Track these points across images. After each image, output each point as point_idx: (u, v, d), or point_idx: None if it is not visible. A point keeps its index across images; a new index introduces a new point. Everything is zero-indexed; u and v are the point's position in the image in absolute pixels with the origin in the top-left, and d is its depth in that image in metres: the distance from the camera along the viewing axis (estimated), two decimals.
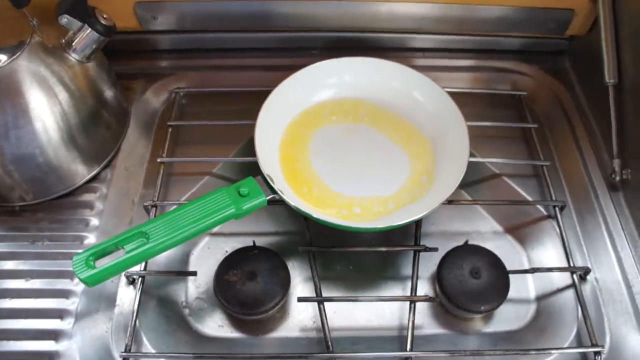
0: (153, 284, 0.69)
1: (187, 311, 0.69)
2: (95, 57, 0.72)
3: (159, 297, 0.69)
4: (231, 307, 0.64)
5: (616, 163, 0.74)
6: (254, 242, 0.69)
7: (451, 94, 0.75)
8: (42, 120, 0.67)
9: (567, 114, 0.85)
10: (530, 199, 0.77)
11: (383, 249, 0.73)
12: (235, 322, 0.68)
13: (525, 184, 0.78)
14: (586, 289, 0.69)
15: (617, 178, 0.74)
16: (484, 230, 0.78)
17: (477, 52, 0.91)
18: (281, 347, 0.66)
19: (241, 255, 0.68)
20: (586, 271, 0.69)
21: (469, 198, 0.80)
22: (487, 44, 0.90)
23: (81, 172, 0.74)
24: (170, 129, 0.79)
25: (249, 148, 0.71)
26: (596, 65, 0.79)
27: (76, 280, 0.65)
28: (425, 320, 0.69)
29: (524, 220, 0.77)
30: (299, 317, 0.69)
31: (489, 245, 0.70)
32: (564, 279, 0.70)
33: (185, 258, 0.73)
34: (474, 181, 0.80)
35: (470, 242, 0.71)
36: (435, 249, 0.70)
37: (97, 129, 0.74)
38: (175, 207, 0.65)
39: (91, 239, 0.70)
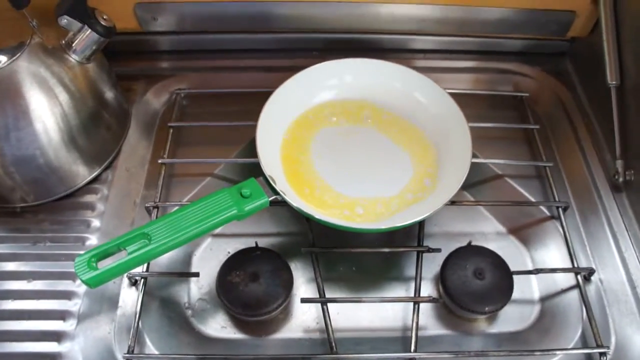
0: (155, 285, 0.69)
1: (189, 312, 0.69)
2: (95, 58, 0.71)
3: (162, 298, 0.69)
4: (234, 308, 0.64)
5: (619, 164, 0.74)
6: (256, 243, 0.69)
7: (453, 95, 0.75)
8: (43, 122, 0.66)
9: (569, 115, 0.85)
10: (533, 199, 0.77)
11: (386, 249, 0.73)
12: (238, 323, 0.68)
13: (528, 185, 0.78)
14: (590, 289, 0.68)
15: (620, 179, 0.74)
16: (487, 231, 0.77)
17: (479, 53, 0.91)
18: (284, 348, 0.66)
19: (244, 256, 0.67)
20: (590, 272, 0.69)
21: (472, 199, 0.80)
22: (489, 46, 0.90)
23: (82, 173, 0.73)
24: (171, 130, 0.79)
25: (251, 149, 0.71)
26: (598, 66, 0.79)
27: (78, 281, 0.65)
28: (428, 321, 0.69)
29: (527, 221, 0.77)
30: (302, 318, 0.68)
31: (492, 246, 0.70)
32: (568, 279, 0.70)
33: (187, 259, 0.73)
34: (476, 182, 0.80)
35: (473, 243, 0.70)
36: (439, 250, 0.69)
37: (97, 130, 0.74)
38: (177, 208, 0.65)
39: (93, 240, 0.69)
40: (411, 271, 0.70)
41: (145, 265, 0.67)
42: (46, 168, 0.69)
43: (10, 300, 0.64)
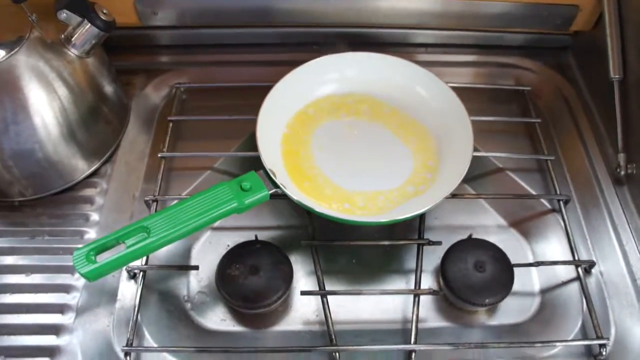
0: (154, 278, 0.68)
1: (189, 305, 0.69)
2: (94, 52, 0.71)
3: (161, 292, 0.68)
4: (234, 301, 0.64)
5: (621, 157, 0.74)
6: (256, 236, 0.69)
7: (454, 89, 0.75)
8: (42, 116, 0.66)
9: (571, 108, 0.84)
10: (534, 193, 0.76)
11: (386, 242, 0.73)
12: (238, 316, 0.68)
13: (529, 178, 0.78)
14: (591, 282, 0.68)
15: (622, 172, 0.74)
16: (488, 224, 0.77)
17: (481, 47, 0.91)
18: (284, 341, 0.66)
19: (243, 249, 0.67)
20: (591, 264, 0.69)
21: (473, 192, 0.80)
22: (491, 40, 0.90)
23: (81, 167, 0.73)
24: (170, 124, 0.79)
25: (251, 143, 0.71)
26: (600, 60, 0.79)
27: (77, 275, 0.64)
28: (429, 313, 0.69)
29: (528, 214, 0.77)
30: (302, 311, 0.68)
31: (493, 239, 0.70)
32: (568, 272, 0.70)
33: (186, 252, 0.73)
34: (477, 175, 0.80)
35: (474, 236, 0.70)
36: (439, 243, 0.69)
37: (97, 124, 0.74)
38: (176, 201, 0.65)
39: (91, 234, 0.69)
40: (411, 264, 0.70)
41: (144, 258, 0.66)
42: (45, 162, 0.69)
43: (8, 294, 0.64)
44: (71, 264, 0.56)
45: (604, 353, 0.62)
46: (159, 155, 0.75)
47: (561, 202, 0.73)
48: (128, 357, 0.61)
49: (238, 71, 0.87)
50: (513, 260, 0.67)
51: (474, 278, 0.66)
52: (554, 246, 0.73)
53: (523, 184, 0.78)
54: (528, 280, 0.71)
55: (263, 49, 0.89)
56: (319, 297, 0.66)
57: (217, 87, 0.85)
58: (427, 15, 0.86)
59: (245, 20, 0.86)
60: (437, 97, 0.77)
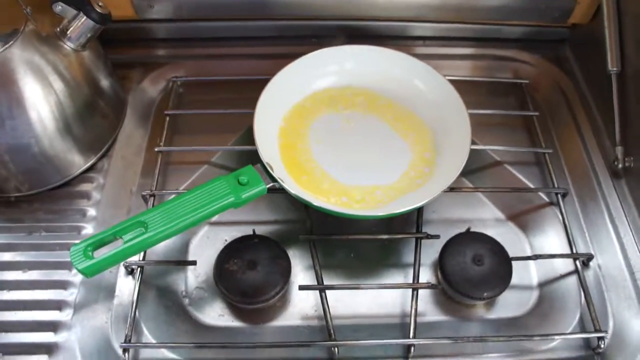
0: (152, 273, 0.68)
1: (187, 301, 0.68)
2: (90, 46, 0.71)
3: (159, 287, 0.68)
4: (232, 296, 0.64)
5: (619, 150, 0.74)
6: (253, 231, 0.68)
7: (452, 82, 0.75)
8: (37, 110, 0.66)
9: (568, 101, 0.84)
10: (532, 186, 0.76)
11: (384, 236, 0.72)
12: (236, 311, 0.67)
13: (527, 172, 0.78)
14: (589, 275, 0.68)
15: (620, 165, 0.74)
16: (486, 217, 0.77)
17: (479, 40, 0.91)
18: (283, 336, 0.66)
19: (241, 244, 0.67)
20: (589, 257, 0.69)
21: (471, 185, 0.80)
22: (489, 33, 0.90)
23: (78, 162, 0.73)
24: (167, 118, 0.78)
25: (248, 137, 0.70)
26: (598, 53, 0.79)
27: (74, 271, 0.64)
28: (427, 307, 0.68)
29: (526, 208, 0.76)
30: (300, 306, 0.68)
31: (491, 232, 0.70)
32: (566, 265, 0.70)
33: (184, 247, 0.73)
34: (475, 169, 0.79)
35: (472, 230, 0.70)
36: (437, 237, 0.69)
37: (93, 118, 0.73)
38: (173, 196, 0.65)
39: (89, 229, 0.69)
40: (410, 258, 0.70)
41: (142, 253, 0.66)
42: (41, 157, 0.69)
43: (5, 291, 0.64)
44: (68, 259, 0.56)
45: (602, 346, 0.62)
46: (156, 150, 0.75)
47: (559, 195, 0.73)
48: (126, 354, 0.60)
49: (235, 64, 0.87)
50: (511, 253, 0.67)
51: (472, 272, 0.66)
52: (551, 239, 0.73)
53: (521, 177, 0.77)
54: (526, 274, 0.71)
55: (260, 42, 0.89)
56: (317, 291, 0.66)
57: (214, 81, 0.84)
58: (426, 8, 0.85)
59: (243, 13, 0.86)
60: (435, 90, 0.76)
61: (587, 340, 0.64)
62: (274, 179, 0.64)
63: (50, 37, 0.67)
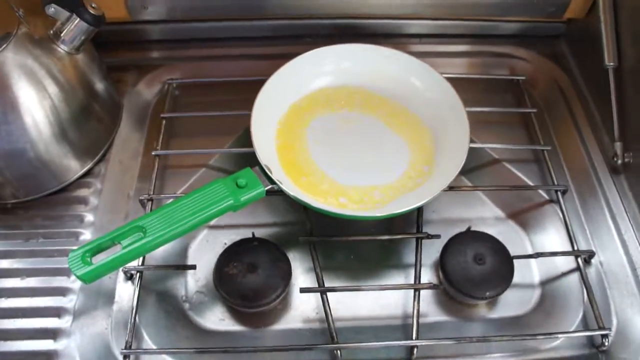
0: (152, 278, 0.68)
1: (187, 305, 0.68)
2: (84, 48, 0.70)
3: (158, 292, 0.68)
4: (232, 300, 0.63)
5: (618, 146, 0.74)
6: (253, 234, 0.68)
7: (449, 79, 0.74)
8: (32, 115, 0.65)
9: (566, 97, 0.84)
10: (531, 184, 0.76)
11: (385, 237, 0.72)
12: (237, 315, 0.67)
13: (526, 169, 0.77)
14: (591, 272, 0.68)
15: (619, 161, 0.74)
16: (486, 216, 0.77)
17: (474, 37, 0.90)
18: (285, 339, 0.65)
19: (241, 247, 0.67)
20: (590, 254, 0.69)
21: (470, 184, 0.79)
22: (484, 29, 0.90)
23: (74, 167, 0.72)
24: (164, 121, 0.78)
25: (245, 138, 0.70)
26: (594, 48, 0.79)
27: (73, 277, 0.64)
28: (429, 307, 0.68)
29: (526, 206, 0.76)
30: (302, 308, 0.68)
31: (491, 231, 0.70)
32: (568, 263, 0.70)
33: (183, 252, 0.72)
34: (474, 167, 0.79)
35: (472, 229, 0.70)
36: (438, 236, 0.69)
37: (88, 122, 0.73)
38: (171, 200, 0.64)
39: (87, 235, 0.68)
40: (410, 258, 0.69)
41: (141, 259, 0.65)
42: (37, 162, 0.68)
43: (3, 299, 0.63)
44: (67, 266, 0.55)
45: (606, 344, 0.62)
46: (153, 154, 0.74)
47: (559, 193, 0.73)
48: None
49: (230, 65, 0.86)
50: (512, 252, 0.67)
51: (473, 271, 0.65)
52: (552, 237, 0.73)
53: (520, 174, 0.77)
54: (528, 272, 0.71)
55: (255, 42, 0.88)
56: (318, 294, 0.66)
57: (210, 82, 0.84)
58: (421, 5, 0.85)
59: (237, 13, 0.85)
60: (432, 88, 0.76)
61: (590, 338, 0.64)
62: (272, 181, 0.64)
63: (43, 40, 0.67)
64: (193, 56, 0.87)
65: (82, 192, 0.72)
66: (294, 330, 0.66)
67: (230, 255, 0.65)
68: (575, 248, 0.69)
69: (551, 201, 0.75)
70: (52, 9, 0.65)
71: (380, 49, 0.78)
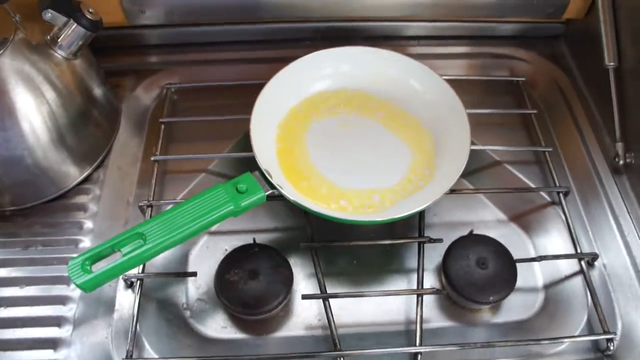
0: (152, 286, 0.67)
1: (188, 313, 0.67)
2: (82, 54, 0.70)
3: (159, 300, 0.67)
4: (234, 307, 0.63)
5: (619, 147, 0.74)
6: (254, 240, 0.67)
7: (448, 81, 0.74)
8: (30, 121, 0.65)
9: (566, 98, 0.84)
10: (533, 185, 0.76)
11: (387, 242, 0.72)
12: (239, 322, 0.66)
13: (527, 171, 0.77)
14: (594, 275, 0.68)
15: (621, 162, 0.74)
16: (488, 219, 0.76)
17: (473, 38, 0.90)
18: (287, 347, 0.65)
19: (241, 253, 0.66)
20: (594, 257, 0.68)
21: (471, 187, 0.79)
22: (483, 30, 0.89)
23: (73, 173, 0.72)
24: (162, 126, 0.77)
25: (245, 143, 0.69)
26: (594, 48, 0.78)
27: (72, 285, 0.63)
28: (432, 313, 0.68)
29: (527, 208, 0.76)
30: (304, 315, 0.67)
31: (493, 234, 0.69)
32: (571, 265, 0.69)
33: (183, 258, 0.72)
34: (475, 170, 0.79)
35: (474, 232, 0.69)
36: (440, 240, 0.68)
37: (87, 128, 0.72)
38: (171, 206, 0.64)
39: (86, 242, 0.68)
40: (413, 263, 0.69)
41: (141, 266, 0.65)
42: (35, 169, 0.67)
43: (2, 308, 0.63)
44: (66, 274, 0.54)
45: (611, 348, 0.62)
46: (152, 159, 0.73)
47: (561, 195, 0.73)
48: None
49: (229, 69, 0.86)
50: (515, 255, 0.67)
51: (476, 275, 0.65)
52: (555, 240, 0.73)
53: (521, 176, 0.77)
54: (531, 276, 0.71)
55: (254, 46, 0.88)
56: (320, 300, 0.65)
57: (208, 87, 0.83)
58: (419, 7, 0.85)
59: (235, 17, 0.85)
60: (432, 90, 0.76)
61: (595, 342, 0.63)
62: (273, 186, 0.63)
63: (40, 46, 0.66)
64: (191, 60, 0.87)
65: (81, 199, 0.71)
66: (297, 337, 0.66)
67: (231, 262, 0.65)
68: (579, 251, 0.69)
69: (553, 203, 0.74)
70: (49, 15, 0.64)
71: (379, 51, 0.78)
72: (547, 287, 0.70)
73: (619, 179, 0.74)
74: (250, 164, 0.66)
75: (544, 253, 0.72)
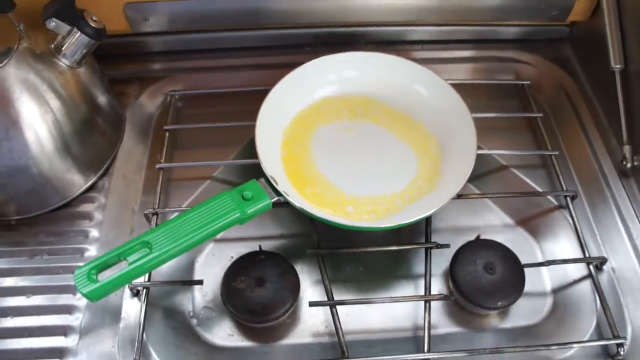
0: (158, 295, 0.67)
1: (195, 321, 0.67)
2: (86, 62, 0.70)
3: (165, 308, 0.67)
4: (241, 315, 0.62)
5: (626, 149, 0.73)
6: (260, 247, 0.67)
7: (453, 86, 0.74)
8: (35, 130, 0.65)
9: (572, 101, 0.83)
10: (540, 190, 0.75)
11: (393, 247, 0.71)
12: (245, 330, 0.66)
13: (534, 175, 0.77)
14: (603, 279, 0.67)
15: (628, 165, 0.73)
16: (495, 223, 0.76)
17: (478, 42, 0.90)
18: (294, 354, 0.65)
19: (248, 261, 0.66)
20: (602, 261, 0.68)
21: (478, 192, 0.79)
22: (488, 34, 0.89)
23: (78, 182, 0.71)
24: (167, 134, 0.77)
25: (250, 150, 0.69)
26: (599, 51, 0.78)
27: (78, 294, 0.63)
28: (440, 319, 0.67)
29: (535, 212, 0.75)
30: (311, 322, 0.67)
31: (500, 238, 0.69)
32: (579, 270, 0.69)
33: (189, 266, 0.71)
34: (481, 174, 0.78)
35: (481, 237, 0.69)
36: (448, 246, 0.68)
37: (91, 136, 0.72)
38: (177, 214, 0.64)
39: (92, 251, 0.68)
40: (420, 268, 0.69)
41: (147, 274, 0.65)
42: (40, 178, 0.67)
43: (9, 318, 0.63)
44: (72, 283, 0.54)
45: (622, 353, 0.61)
46: (157, 167, 0.73)
47: (568, 198, 0.72)
48: None
49: (233, 76, 0.86)
50: (522, 260, 0.66)
51: (484, 280, 0.65)
52: (563, 244, 0.72)
53: (528, 180, 0.76)
54: (539, 281, 0.70)
55: (257, 52, 0.88)
56: (327, 307, 0.65)
57: (213, 93, 0.83)
58: (423, 11, 0.84)
59: (238, 23, 0.85)
60: (437, 95, 0.75)
61: (605, 347, 0.63)
62: (278, 193, 0.63)
63: (44, 55, 0.66)
64: (195, 67, 0.86)
65: (87, 207, 0.71)
66: (304, 344, 0.66)
67: (237, 269, 0.65)
68: (587, 255, 0.68)
69: (560, 207, 0.74)
70: (52, 23, 0.65)
71: (384, 56, 0.78)
72: (556, 291, 0.70)
73: (627, 181, 0.73)
74: (255, 171, 0.65)
75: (552, 257, 0.71)
